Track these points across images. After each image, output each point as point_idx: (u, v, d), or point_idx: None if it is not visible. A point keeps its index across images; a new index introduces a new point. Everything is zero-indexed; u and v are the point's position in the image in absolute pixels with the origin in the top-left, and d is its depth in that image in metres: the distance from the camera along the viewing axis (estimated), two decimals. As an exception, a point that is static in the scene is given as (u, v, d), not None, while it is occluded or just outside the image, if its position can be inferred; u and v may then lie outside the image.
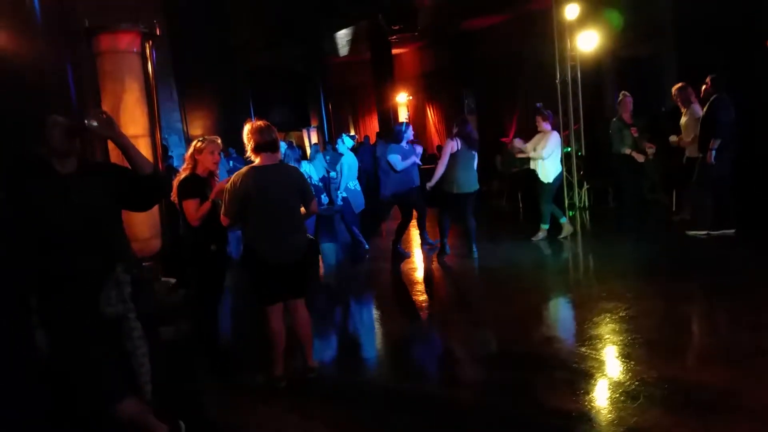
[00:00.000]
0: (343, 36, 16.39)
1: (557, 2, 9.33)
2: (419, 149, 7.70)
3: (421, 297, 5.72)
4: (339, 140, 7.83)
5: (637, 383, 3.28)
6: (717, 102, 6.25)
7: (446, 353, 4.39)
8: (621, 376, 3.42)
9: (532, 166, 7.30)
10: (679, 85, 7.06)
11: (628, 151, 7.14)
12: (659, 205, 8.64)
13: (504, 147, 11.52)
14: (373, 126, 18.74)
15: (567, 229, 7.23)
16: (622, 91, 7.45)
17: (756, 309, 4.32)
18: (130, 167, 2.64)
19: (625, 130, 7.14)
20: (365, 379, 3.96)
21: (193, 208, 3.78)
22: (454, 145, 6.56)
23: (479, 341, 4.41)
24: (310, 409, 3.42)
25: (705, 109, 6.39)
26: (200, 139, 3.96)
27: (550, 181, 7.07)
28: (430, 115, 17.88)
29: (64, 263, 2.50)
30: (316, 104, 18.94)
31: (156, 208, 4.71)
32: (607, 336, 4.07)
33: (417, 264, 7.00)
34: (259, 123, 3.58)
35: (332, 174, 8.07)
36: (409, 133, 7.27)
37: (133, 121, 4.86)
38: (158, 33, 5.16)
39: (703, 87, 6.41)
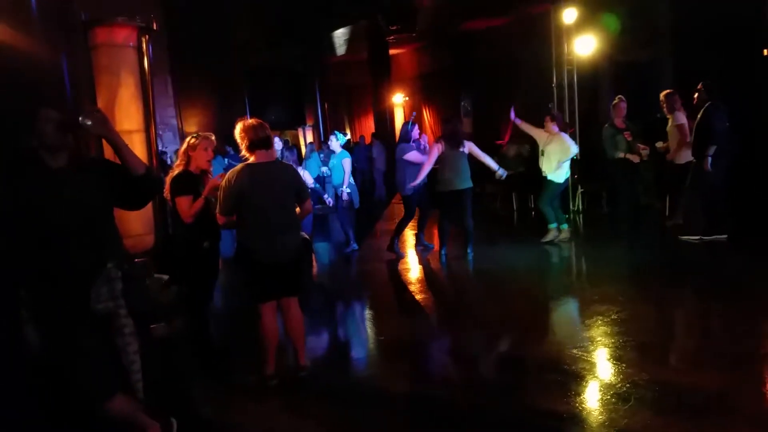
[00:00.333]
0: (340, 35, 16.37)
1: (556, 6, 9.34)
2: (425, 139, 7.86)
3: (414, 298, 5.72)
4: (332, 136, 7.83)
5: (628, 386, 3.29)
6: (711, 108, 6.27)
7: (438, 354, 4.37)
8: (612, 379, 3.43)
9: (541, 165, 7.30)
10: (667, 91, 7.12)
11: (622, 154, 7.15)
12: (653, 210, 8.67)
13: (500, 150, 11.52)
14: (368, 126, 18.74)
15: (551, 234, 7.22)
16: (618, 96, 7.47)
17: (747, 313, 4.35)
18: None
19: (618, 135, 7.14)
20: (357, 379, 3.96)
21: (186, 205, 3.77)
22: (439, 148, 6.66)
23: (471, 343, 4.41)
24: (302, 408, 3.42)
25: (699, 116, 6.40)
26: (194, 135, 3.95)
27: (561, 181, 7.16)
28: (427, 116, 17.89)
29: (54, 259, 2.48)
30: (312, 103, 18.93)
31: (150, 204, 4.67)
32: (599, 339, 4.09)
33: (411, 265, 6.99)
34: (251, 121, 3.58)
35: (326, 172, 8.07)
36: (415, 132, 7.32)
37: (128, 116, 4.82)
38: (155, 28, 5.14)
39: (695, 94, 6.44)
